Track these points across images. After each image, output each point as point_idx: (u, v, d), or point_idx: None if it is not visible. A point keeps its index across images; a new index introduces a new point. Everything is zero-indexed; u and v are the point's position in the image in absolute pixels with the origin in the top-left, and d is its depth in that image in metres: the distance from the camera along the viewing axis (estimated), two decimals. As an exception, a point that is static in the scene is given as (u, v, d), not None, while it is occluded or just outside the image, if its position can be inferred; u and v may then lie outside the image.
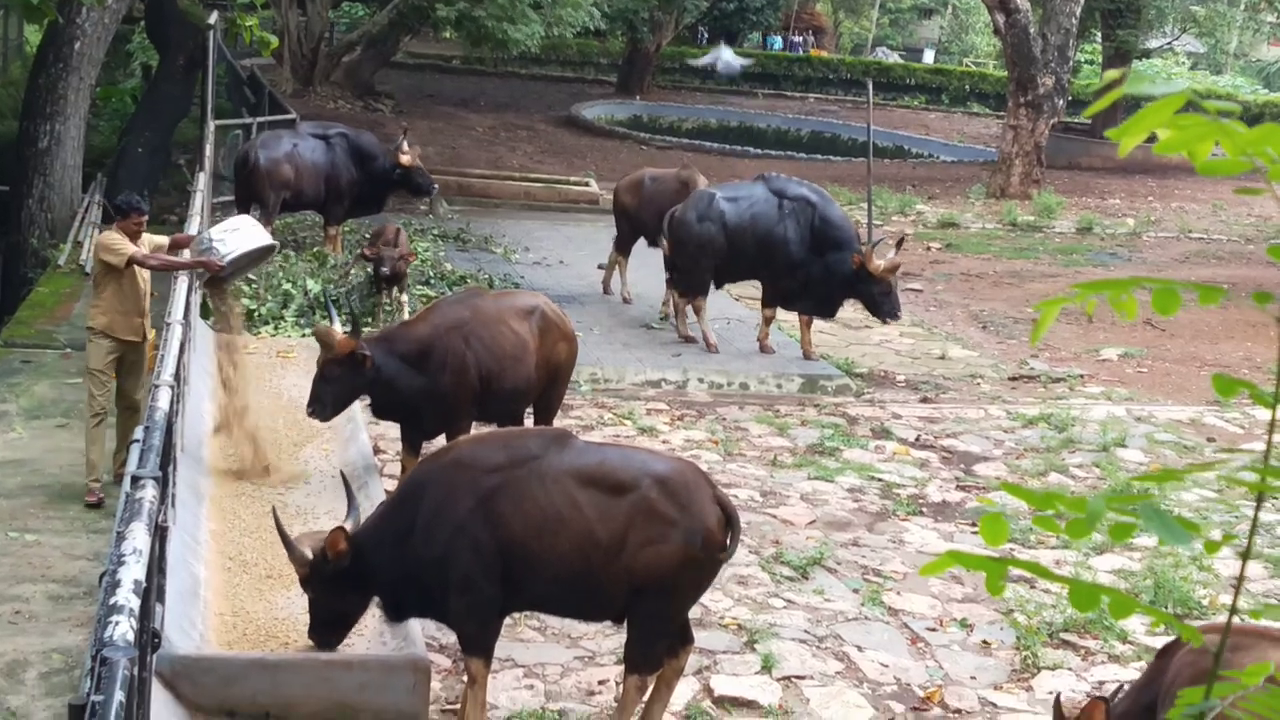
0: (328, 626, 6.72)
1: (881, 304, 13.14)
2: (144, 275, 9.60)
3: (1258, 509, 2.06)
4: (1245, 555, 2.15)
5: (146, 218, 9.60)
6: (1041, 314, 2.19)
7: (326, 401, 8.75)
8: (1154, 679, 5.40)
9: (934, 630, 8.33)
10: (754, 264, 13.59)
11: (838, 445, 11.61)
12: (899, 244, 13.58)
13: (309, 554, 6.64)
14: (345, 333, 8.79)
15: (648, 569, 6.27)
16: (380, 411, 9.16)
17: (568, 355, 9.45)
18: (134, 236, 9.47)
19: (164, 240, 9.97)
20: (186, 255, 9.94)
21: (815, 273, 13.29)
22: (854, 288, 13.15)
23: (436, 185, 16.87)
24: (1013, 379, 14.19)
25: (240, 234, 9.97)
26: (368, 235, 16.90)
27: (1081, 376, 14.33)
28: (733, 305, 15.60)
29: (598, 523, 6.25)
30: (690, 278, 13.75)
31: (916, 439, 12.02)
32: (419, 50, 39.78)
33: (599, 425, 11.64)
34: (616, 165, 27.02)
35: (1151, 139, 2.10)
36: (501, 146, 28.32)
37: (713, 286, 14.10)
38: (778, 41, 48.73)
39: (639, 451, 7.01)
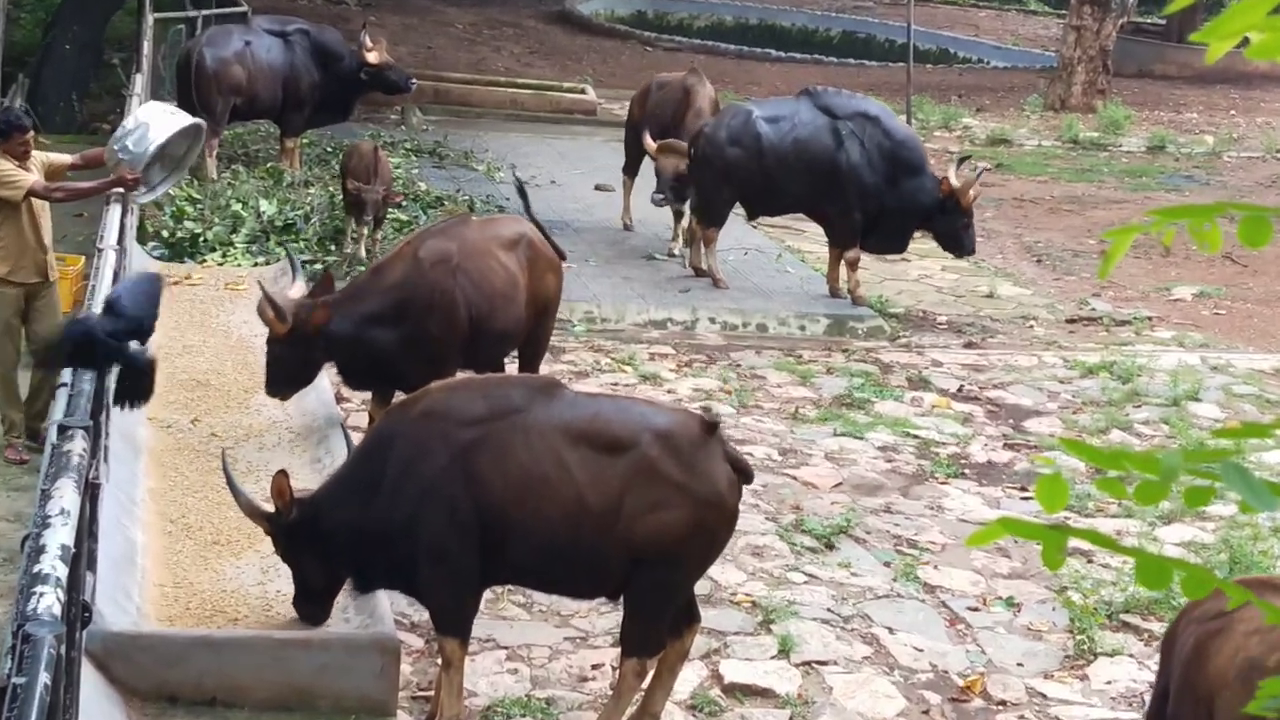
0: (308, 595, 6.84)
1: (963, 239, 13.35)
2: (43, 204, 9.38)
3: (1356, 474, 2.06)
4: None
5: (32, 134, 9.36)
6: (1113, 244, 2.19)
7: (280, 381, 8.89)
8: (1165, 664, 5.59)
9: (976, 610, 8.37)
10: (809, 197, 13.55)
11: (868, 397, 11.64)
12: (961, 163, 13.67)
13: (264, 506, 6.70)
14: (302, 299, 8.80)
15: (649, 538, 6.31)
16: (353, 380, 9.24)
17: (556, 288, 9.56)
18: (21, 159, 9.21)
19: (63, 159, 9.72)
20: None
21: (890, 203, 13.32)
22: (933, 219, 13.29)
23: (415, 81, 16.78)
24: (1071, 321, 14.19)
25: (146, 130, 9.74)
26: (330, 149, 16.95)
27: (1149, 319, 14.35)
28: (749, 233, 15.60)
29: (589, 486, 6.29)
30: (710, 205, 13.74)
31: (959, 390, 12.05)
32: (389, -65, 39.41)
33: (595, 371, 11.68)
34: (617, 70, 26.89)
35: (1243, 43, 2.08)
36: (484, 47, 28.16)
37: (743, 219, 14.12)
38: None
39: (638, 403, 7.04)
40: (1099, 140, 23.33)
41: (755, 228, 15.81)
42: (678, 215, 14.58)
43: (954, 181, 13.12)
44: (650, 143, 14.03)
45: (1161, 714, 5.48)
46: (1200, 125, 25.79)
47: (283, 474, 6.71)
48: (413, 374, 8.91)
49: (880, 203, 13.32)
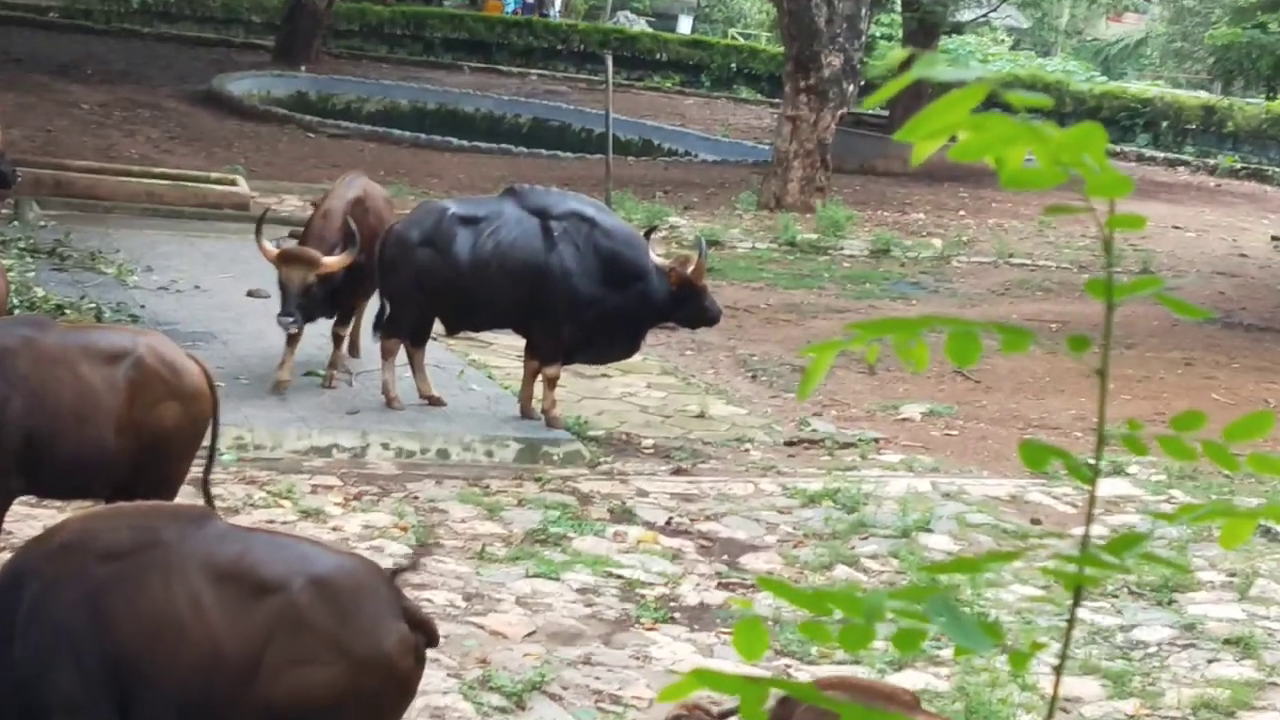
0: None
1: (709, 312, 13.76)
2: None
3: (1075, 607, 2.16)
4: (1059, 667, 2.26)
5: None
6: (813, 360, 2.25)
7: None
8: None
9: (688, 773, 8.43)
10: (515, 309, 13.71)
11: (565, 532, 11.69)
12: (649, 234, 14.18)
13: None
14: None
15: (291, 700, 6.23)
16: None
17: (180, 420, 9.07)
18: None
19: None
20: None
21: (612, 308, 13.57)
22: (671, 312, 13.71)
23: (20, 174, 16.47)
24: (790, 444, 14.49)
25: None
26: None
27: (876, 441, 14.72)
28: (434, 346, 15.43)
29: (227, 633, 6.21)
30: (397, 315, 13.78)
31: (668, 522, 12.21)
32: (3, -2, 38.94)
33: (246, 507, 11.51)
34: (274, 158, 26.78)
35: (954, 139, 2.18)
36: (116, 130, 27.75)
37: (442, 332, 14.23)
38: (512, 2, 49.47)
39: (299, 542, 6.96)
40: (818, 243, 24.02)
41: (440, 342, 15.76)
42: (337, 339, 14.42)
43: (682, 270, 13.48)
44: (268, 248, 13.52)
45: None
46: (928, 226, 26.79)
47: None
48: None
49: (600, 310, 13.56)
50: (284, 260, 13.48)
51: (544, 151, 31.17)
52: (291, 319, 13.46)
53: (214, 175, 23.40)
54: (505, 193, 14.27)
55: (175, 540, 6.36)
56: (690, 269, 13.49)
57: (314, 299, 13.51)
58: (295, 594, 6.27)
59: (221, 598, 6.25)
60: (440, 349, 15.72)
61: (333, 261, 13.44)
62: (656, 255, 13.75)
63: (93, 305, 15.39)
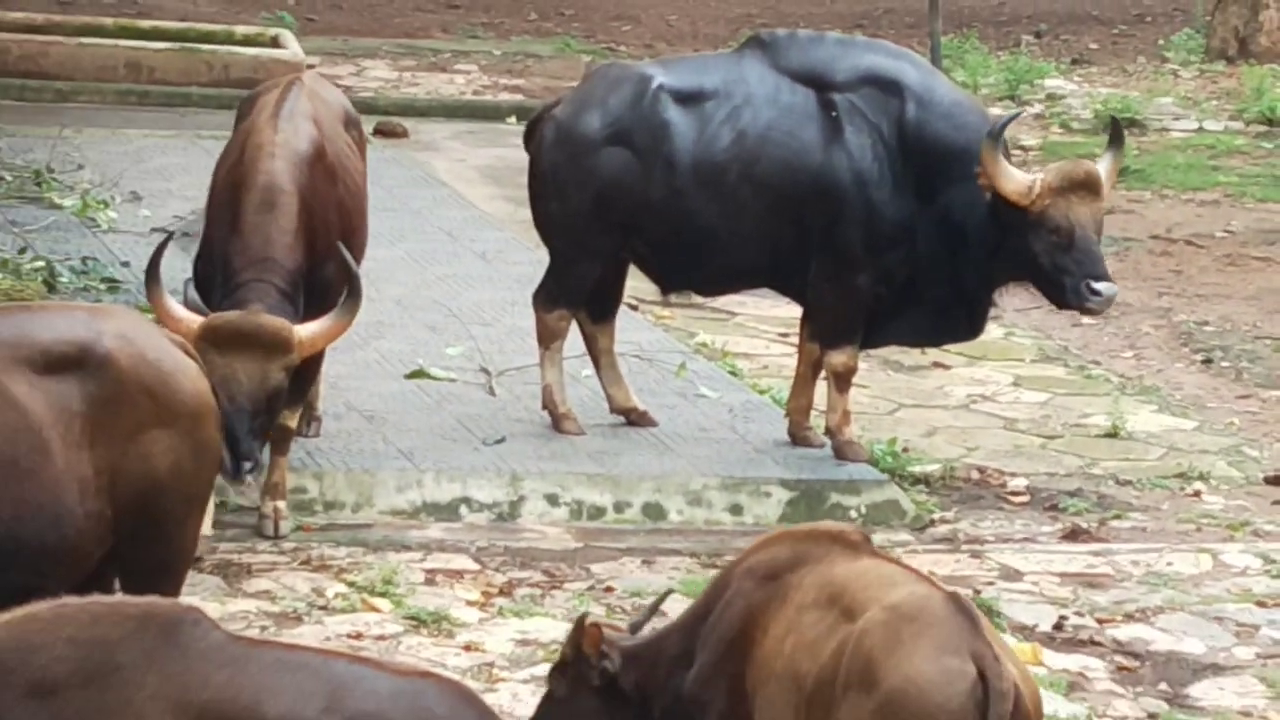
0: None
1: (1072, 261, 13.63)
2: None
3: None
4: None
5: None
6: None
7: None
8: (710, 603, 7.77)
9: None
10: (774, 251, 13.88)
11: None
12: (1000, 135, 13.66)
13: None
14: None
15: None
16: None
17: (179, 456, 9.15)
18: None
19: None
20: None
21: (936, 244, 13.71)
22: (993, 256, 13.62)
23: None
24: (1276, 481, 14.44)
25: None
26: None
27: None
28: (633, 323, 15.74)
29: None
30: (563, 270, 14.00)
31: (1059, 626, 12.17)
32: None
33: (312, 609, 11.68)
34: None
35: None
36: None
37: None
38: None
39: (355, 664, 7.02)
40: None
41: (642, 314, 16.12)
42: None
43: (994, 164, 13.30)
44: (170, 309, 11.90)
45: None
46: None
47: None
48: None
49: (911, 247, 13.71)
50: (219, 341, 11.89)
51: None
52: (250, 465, 12.00)
53: (242, 31, 23.66)
54: (749, 44, 14.43)
55: (139, 664, 6.57)
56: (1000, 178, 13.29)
57: (277, 401, 12.26)
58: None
59: None
60: (644, 325, 15.96)
61: (318, 332, 12.19)
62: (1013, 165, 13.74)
63: (40, 263, 15.67)
